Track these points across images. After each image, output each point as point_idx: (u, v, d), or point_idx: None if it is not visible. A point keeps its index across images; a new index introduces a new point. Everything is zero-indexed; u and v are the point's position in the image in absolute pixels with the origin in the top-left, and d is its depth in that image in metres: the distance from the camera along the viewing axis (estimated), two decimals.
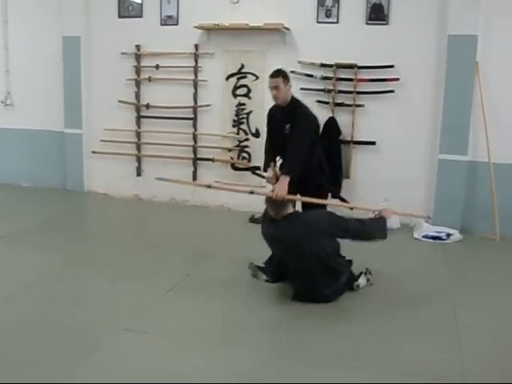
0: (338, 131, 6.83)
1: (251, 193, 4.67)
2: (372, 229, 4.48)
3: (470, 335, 3.91)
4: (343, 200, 5.69)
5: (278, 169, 4.90)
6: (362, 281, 4.68)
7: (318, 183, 4.92)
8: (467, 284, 4.98)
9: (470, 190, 6.59)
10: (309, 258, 4.24)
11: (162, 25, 7.49)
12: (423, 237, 6.38)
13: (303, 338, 3.79)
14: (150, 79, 7.60)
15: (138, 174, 7.96)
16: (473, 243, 6.30)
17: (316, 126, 4.93)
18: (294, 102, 4.82)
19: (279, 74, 4.77)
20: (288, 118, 4.73)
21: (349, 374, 3.32)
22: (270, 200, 4.39)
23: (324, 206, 4.83)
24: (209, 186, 5.24)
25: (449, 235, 6.36)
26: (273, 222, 4.40)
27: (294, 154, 4.62)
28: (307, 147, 4.63)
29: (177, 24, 7.41)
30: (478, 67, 6.41)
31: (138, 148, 7.86)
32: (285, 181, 4.47)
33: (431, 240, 6.33)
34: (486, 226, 6.48)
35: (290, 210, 4.40)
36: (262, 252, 4.78)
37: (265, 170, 5.12)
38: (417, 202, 6.71)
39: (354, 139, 6.85)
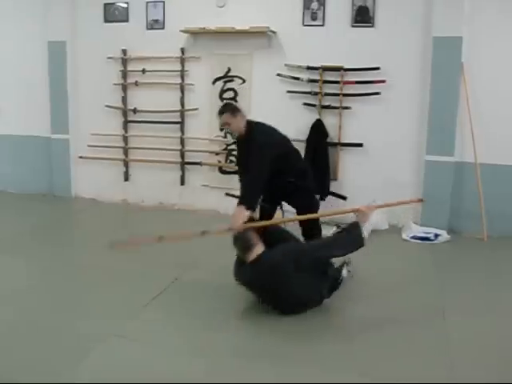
0: (325, 133, 6.84)
1: (203, 233, 4.44)
2: (343, 247, 4.22)
3: (460, 336, 3.91)
4: (339, 196, 5.61)
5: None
6: (343, 272, 4.56)
7: (305, 188, 4.94)
8: (456, 284, 4.97)
9: (457, 191, 6.62)
10: (285, 298, 4.12)
11: (148, 29, 7.49)
12: (411, 238, 6.40)
13: (295, 347, 3.77)
14: (136, 83, 7.59)
15: (126, 179, 7.94)
16: (461, 243, 6.33)
17: (275, 144, 4.76)
18: (249, 130, 4.75)
19: (224, 110, 4.75)
20: (247, 147, 4.69)
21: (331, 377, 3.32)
22: (235, 240, 4.19)
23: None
24: (161, 237, 4.61)
25: (437, 236, 6.39)
26: (242, 265, 4.21)
27: (248, 186, 4.63)
28: (262, 177, 4.54)
29: (163, 28, 7.41)
30: (464, 68, 6.45)
31: (126, 153, 7.84)
32: (240, 211, 4.39)
33: (419, 241, 6.35)
34: (474, 226, 6.51)
35: (259, 250, 4.12)
36: None
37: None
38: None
39: (341, 141, 6.87)
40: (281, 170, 4.69)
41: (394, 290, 4.79)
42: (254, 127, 4.79)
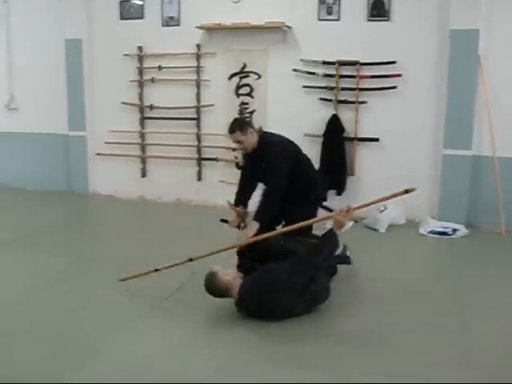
0: (342, 128, 6.83)
1: (190, 260, 4.28)
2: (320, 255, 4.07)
3: (478, 331, 3.88)
4: (327, 209, 5.45)
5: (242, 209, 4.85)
6: (348, 253, 4.63)
7: (310, 200, 4.91)
8: (475, 279, 4.94)
9: (475, 185, 6.57)
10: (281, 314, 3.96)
11: (163, 26, 7.51)
12: (429, 232, 6.37)
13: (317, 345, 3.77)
14: (152, 80, 7.61)
15: (143, 175, 7.98)
16: (479, 238, 6.28)
17: (292, 154, 4.80)
18: (263, 142, 4.72)
19: (233, 128, 4.67)
20: (262, 157, 4.65)
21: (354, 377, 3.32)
22: (208, 291, 4.00)
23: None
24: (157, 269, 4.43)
25: (455, 230, 6.34)
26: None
27: (266, 202, 4.62)
28: (281, 189, 4.60)
29: (178, 25, 7.43)
30: (481, 61, 6.39)
31: (143, 149, 7.88)
32: (253, 229, 4.41)
33: (437, 235, 6.31)
34: (492, 220, 6.46)
35: (236, 287, 3.92)
36: None
37: (236, 206, 4.89)
38: (422, 198, 6.68)
39: (358, 136, 6.85)
40: (292, 178, 4.68)
41: (411, 285, 4.77)
42: (263, 137, 4.77)
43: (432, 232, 6.36)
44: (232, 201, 4.95)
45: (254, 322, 3.90)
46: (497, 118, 6.35)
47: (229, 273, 3.96)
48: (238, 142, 4.67)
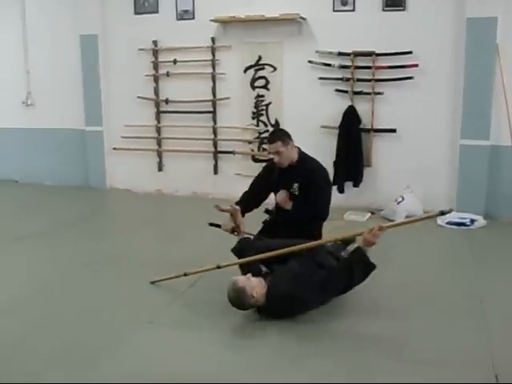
0: (358, 120, 6.81)
1: (218, 267, 4.13)
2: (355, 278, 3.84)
3: (497, 323, 3.85)
4: None
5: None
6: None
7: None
8: (493, 270, 4.91)
9: (493, 175, 6.52)
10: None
11: (178, 19, 7.51)
12: (447, 223, 6.32)
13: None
14: (168, 74, 7.62)
15: (160, 169, 8.01)
16: (497, 229, 6.24)
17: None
18: (301, 160, 4.50)
19: (275, 139, 4.41)
20: (298, 176, 4.45)
21: (371, 359, 3.32)
22: (233, 304, 3.79)
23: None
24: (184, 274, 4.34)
25: (473, 221, 6.31)
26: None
27: (309, 215, 4.42)
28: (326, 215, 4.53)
29: (193, 18, 7.43)
30: (499, 50, 6.32)
31: (159, 143, 7.90)
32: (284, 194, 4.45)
33: (455, 226, 6.27)
34: (511, 211, 6.42)
35: (261, 293, 3.76)
36: None
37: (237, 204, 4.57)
38: (439, 189, 6.68)
39: (374, 127, 6.82)
40: None
41: (429, 276, 4.76)
42: (302, 156, 4.54)
43: (450, 223, 6.31)
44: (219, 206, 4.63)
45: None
46: None
47: (254, 284, 3.72)
48: (277, 153, 4.39)
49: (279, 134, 4.50)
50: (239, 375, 3.19)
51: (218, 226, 4.64)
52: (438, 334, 3.69)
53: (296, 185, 4.45)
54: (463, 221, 6.32)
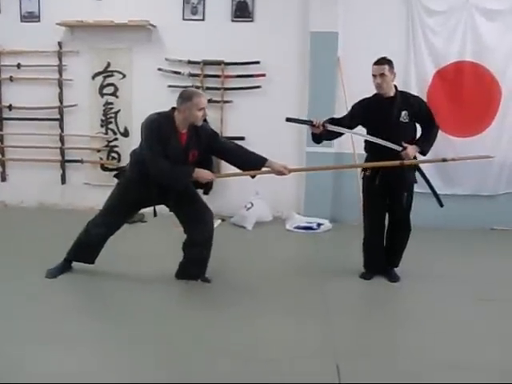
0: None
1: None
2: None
3: (339, 317, 4.00)
4: None
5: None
6: None
7: None
8: (337, 270, 5.09)
9: (337, 181, 6.81)
10: None
11: (22, 21, 7.16)
12: (295, 228, 6.52)
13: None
14: (11, 79, 7.23)
15: (3, 179, 7.55)
16: (342, 231, 6.51)
17: None
18: (399, 92, 4.69)
19: (384, 61, 4.55)
20: (402, 105, 4.59)
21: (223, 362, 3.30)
22: None
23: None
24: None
25: (319, 225, 6.55)
26: None
27: (433, 136, 4.69)
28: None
29: (38, 20, 7.13)
30: (340, 62, 6.65)
31: (2, 152, 7.46)
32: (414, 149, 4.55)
33: (303, 230, 6.48)
34: (355, 214, 6.68)
35: None
36: (140, 251, 4.92)
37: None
38: (288, 194, 6.86)
39: (224, 135, 6.86)
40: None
41: (275, 276, 4.87)
42: (406, 92, 4.85)
43: (298, 227, 6.52)
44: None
45: None
46: None
47: None
48: (382, 75, 4.50)
49: (388, 59, 4.57)
50: None
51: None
52: (285, 331, 3.76)
53: (404, 112, 4.57)
54: (310, 225, 6.53)
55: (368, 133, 4.75)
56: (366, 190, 4.84)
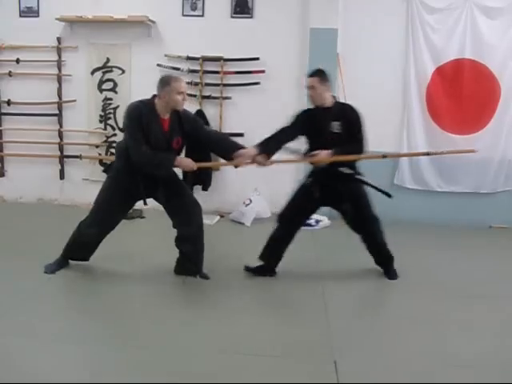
0: (207, 124, 6.80)
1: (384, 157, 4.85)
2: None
3: (337, 314, 4.01)
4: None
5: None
6: None
7: None
8: (335, 266, 5.09)
9: None
10: None
11: (21, 16, 7.15)
12: None
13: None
14: (10, 74, 7.22)
15: (2, 175, 7.54)
16: (340, 228, 6.42)
17: None
18: (336, 104, 4.67)
19: (315, 73, 4.57)
20: (334, 116, 4.54)
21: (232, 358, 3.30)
22: None
23: None
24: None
25: (318, 222, 6.55)
26: None
27: (350, 150, 4.53)
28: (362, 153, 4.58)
29: (37, 16, 7.11)
30: (339, 59, 6.64)
31: (0, 147, 7.45)
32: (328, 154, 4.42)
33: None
34: None
35: None
36: (137, 248, 4.90)
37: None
38: (286, 191, 6.77)
39: (223, 131, 6.87)
40: None
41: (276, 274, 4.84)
42: (343, 103, 4.82)
43: None
44: None
45: None
46: None
47: None
48: (312, 87, 4.52)
49: (320, 71, 4.60)
50: None
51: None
52: (282, 327, 3.77)
53: (337, 123, 4.52)
54: (309, 221, 6.49)
55: (307, 142, 4.75)
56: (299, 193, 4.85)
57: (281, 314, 4.01)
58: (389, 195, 4.72)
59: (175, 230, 4.56)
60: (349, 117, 4.55)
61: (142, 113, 4.19)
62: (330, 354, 3.34)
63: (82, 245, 4.59)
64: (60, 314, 3.86)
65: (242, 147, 4.49)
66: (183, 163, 4.32)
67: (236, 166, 4.66)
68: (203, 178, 6.79)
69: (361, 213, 4.66)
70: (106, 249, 4.76)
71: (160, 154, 4.23)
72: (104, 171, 4.70)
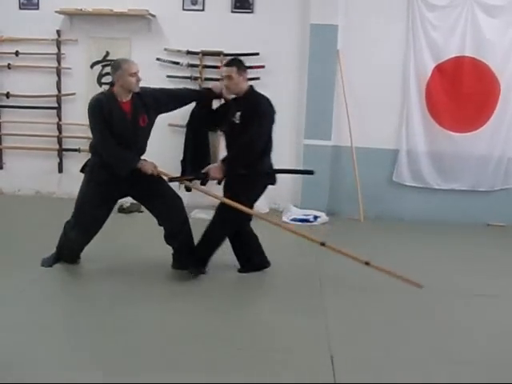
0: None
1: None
2: None
3: (334, 309, 4.02)
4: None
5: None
6: None
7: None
8: (332, 261, 5.07)
9: (335, 174, 6.82)
10: None
11: (21, 9, 7.13)
12: (292, 220, 6.52)
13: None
14: (9, 67, 7.20)
15: (0, 168, 7.53)
16: (339, 224, 6.52)
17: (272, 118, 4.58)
18: (249, 95, 4.51)
19: (233, 63, 4.46)
20: (240, 107, 4.45)
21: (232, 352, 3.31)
22: None
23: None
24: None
25: (316, 217, 6.55)
26: None
27: (241, 151, 4.41)
28: (260, 147, 4.45)
29: (37, 8, 7.09)
30: (340, 55, 6.64)
31: None
32: (221, 168, 4.38)
33: (300, 223, 6.48)
34: (351, 207, 6.73)
35: None
36: (134, 240, 4.88)
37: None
38: (285, 186, 6.80)
39: None
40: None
41: (274, 269, 4.85)
42: (254, 93, 4.54)
43: (294, 220, 6.53)
44: None
45: None
46: (353, 110, 6.64)
47: None
48: (228, 77, 4.39)
49: (237, 61, 4.51)
50: None
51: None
52: (279, 322, 3.78)
53: (238, 113, 4.43)
54: (307, 217, 6.54)
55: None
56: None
57: (277, 309, 4.00)
58: (310, 172, 4.79)
59: (162, 227, 4.58)
60: (247, 107, 4.43)
61: (102, 103, 4.23)
62: (327, 349, 3.34)
63: (70, 250, 4.61)
64: (57, 305, 3.89)
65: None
66: (144, 167, 4.29)
67: (188, 190, 4.83)
68: (202, 172, 6.76)
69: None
70: (104, 242, 4.78)
71: (124, 154, 4.27)
72: (81, 171, 4.65)
